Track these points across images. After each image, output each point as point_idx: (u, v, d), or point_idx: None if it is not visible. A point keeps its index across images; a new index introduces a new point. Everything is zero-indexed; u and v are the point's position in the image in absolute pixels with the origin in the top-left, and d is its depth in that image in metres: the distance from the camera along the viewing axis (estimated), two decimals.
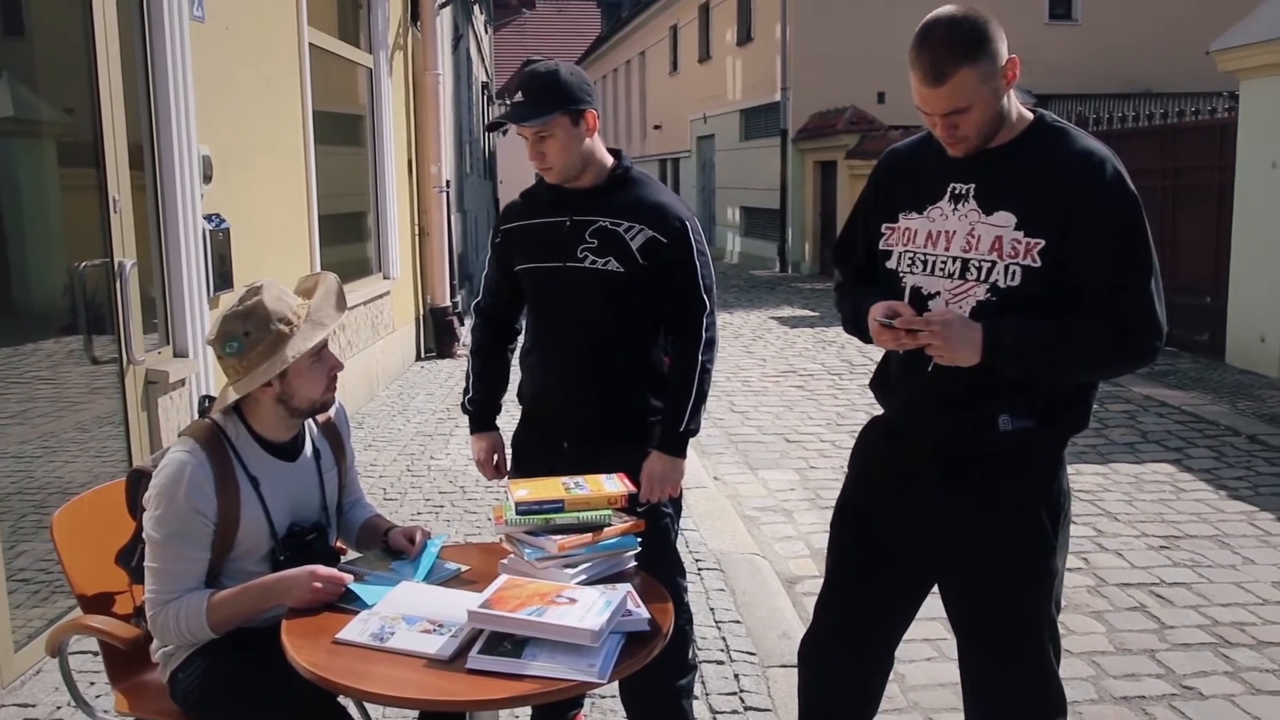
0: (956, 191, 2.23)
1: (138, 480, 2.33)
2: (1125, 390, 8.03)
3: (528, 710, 2.95)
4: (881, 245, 2.35)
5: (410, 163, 9.14)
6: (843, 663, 2.57)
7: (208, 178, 4.71)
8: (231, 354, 2.21)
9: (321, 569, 2.12)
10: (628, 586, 2.03)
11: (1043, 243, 2.11)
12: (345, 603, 2.07)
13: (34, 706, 3.26)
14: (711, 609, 4.01)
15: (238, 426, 2.28)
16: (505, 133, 27.78)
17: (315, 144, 6.37)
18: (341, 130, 7.77)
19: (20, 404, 3.81)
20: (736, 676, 3.52)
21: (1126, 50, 18.57)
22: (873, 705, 2.66)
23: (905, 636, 2.62)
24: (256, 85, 5.53)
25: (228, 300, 4.82)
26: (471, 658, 1.83)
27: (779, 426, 7.40)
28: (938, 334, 2.10)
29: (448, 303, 9.80)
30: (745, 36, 22.12)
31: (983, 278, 2.17)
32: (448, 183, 9.98)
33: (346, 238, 7.92)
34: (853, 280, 2.53)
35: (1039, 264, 2.12)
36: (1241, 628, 3.99)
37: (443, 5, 9.63)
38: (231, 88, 5.14)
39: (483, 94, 23.39)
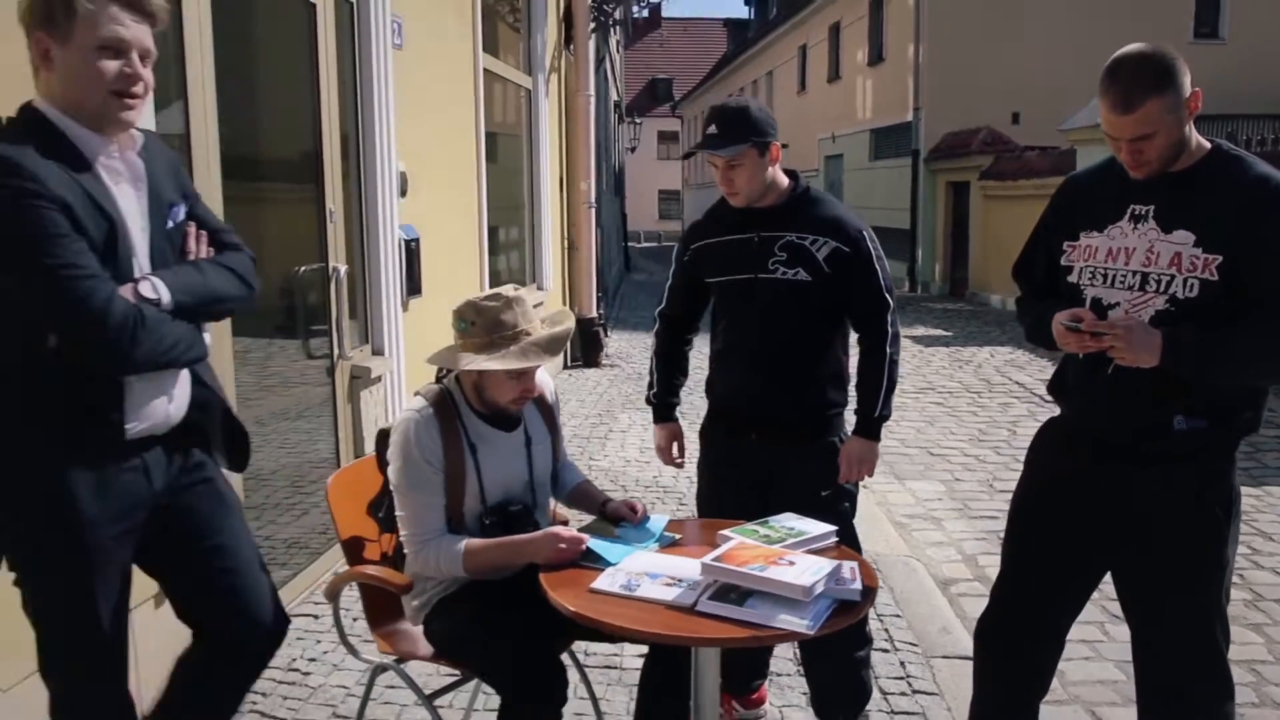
0: (1136, 212, 2.42)
1: (383, 439, 2.69)
2: (1275, 415, 7.90)
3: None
4: (1063, 261, 2.55)
5: (561, 179, 9.57)
6: (1017, 646, 2.76)
7: (403, 192, 5.14)
8: (457, 329, 2.57)
9: (564, 531, 2.44)
10: (854, 564, 2.27)
11: (1220, 258, 2.28)
12: (587, 561, 2.38)
13: None
14: (873, 605, 4.20)
15: (461, 393, 2.62)
16: (634, 150, 28.25)
17: (485, 161, 6.80)
18: (504, 148, 8.23)
19: (252, 393, 4.24)
20: (903, 664, 3.73)
21: (1274, 69, 18.02)
22: (1042, 689, 2.84)
23: None
24: (441, 106, 5.98)
25: (416, 304, 5.26)
26: (701, 602, 2.11)
27: (922, 440, 7.53)
28: (1120, 336, 2.28)
29: (594, 313, 10.20)
30: (876, 57, 22.14)
31: (1162, 289, 2.35)
32: (596, 199, 10.39)
33: (507, 249, 8.37)
34: (1033, 295, 2.73)
35: (1216, 277, 2.29)
36: None
37: (594, 30, 10.06)
38: (421, 109, 5.58)
39: (615, 113, 23.91)
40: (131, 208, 2.04)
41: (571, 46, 9.54)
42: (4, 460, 1.99)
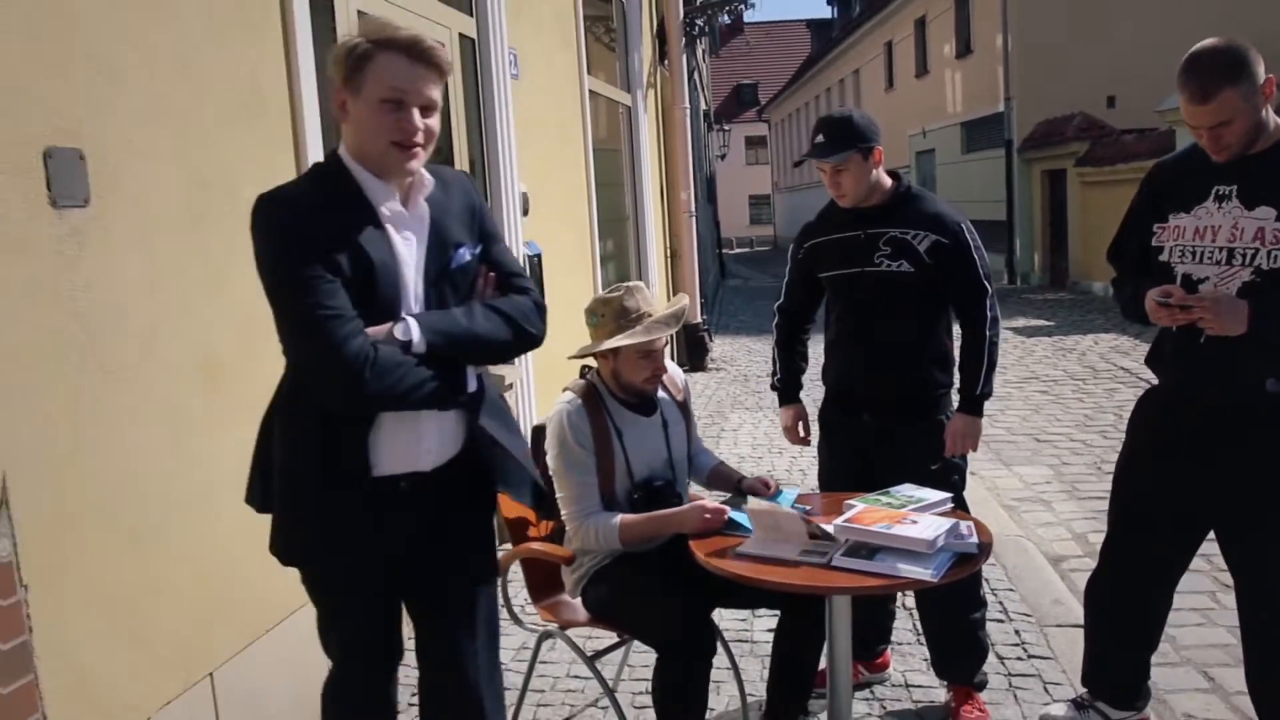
0: (1220, 192, 2.65)
1: (538, 434, 3.05)
2: None
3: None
4: (1154, 243, 2.79)
5: (661, 190, 9.93)
6: (1126, 601, 2.99)
7: (525, 211, 5.52)
8: (590, 324, 2.93)
9: (709, 504, 2.77)
10: (970, 523, 2.55)
11: None
12: (729, 530, 2.70)
13: None
14: (986, 579, 4.42)
15: (602, 383, 2.97)
16: (724, 157, 28.46)
17: (595, 176, 7.18)
18: (609, 163, 8.60)
19: None
20: (1018, 632, 3.95)
21: None
22: (1152, 643, 3.06)
23: (1175, 605, 3.01)
24: (553, 128, 6.37)
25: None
26: (835, 559, 2.41)
27: (1027, 428, 7.66)
28: (1208, 309, 2.52)
29: (699, 319, 10.52)
30: (964, 49, 22.04)
31: (1247, 262, 2.58)
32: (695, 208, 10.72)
33: (615, 259, 8.75)
34: (1127, 275, 2.96)
35: None
36: None
37: (687, 45, 10.41)
38: (537, 132, 5.97)
39: (704, 121, 24.21)
40: (406, 251, 2.10)
41: (666, 62, 9.89)
42: (277, 477, 2.18)
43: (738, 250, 42.73)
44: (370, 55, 2.01)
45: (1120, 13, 18.35)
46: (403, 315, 2.06)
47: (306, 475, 2.13)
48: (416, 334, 2.03)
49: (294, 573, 3.25)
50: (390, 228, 2.09)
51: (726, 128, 28.72)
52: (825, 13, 41.83)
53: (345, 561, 2.20)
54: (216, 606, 2.91)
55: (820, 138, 3.20)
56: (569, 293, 6.26)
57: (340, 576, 2.23)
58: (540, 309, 2.25)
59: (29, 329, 2.28)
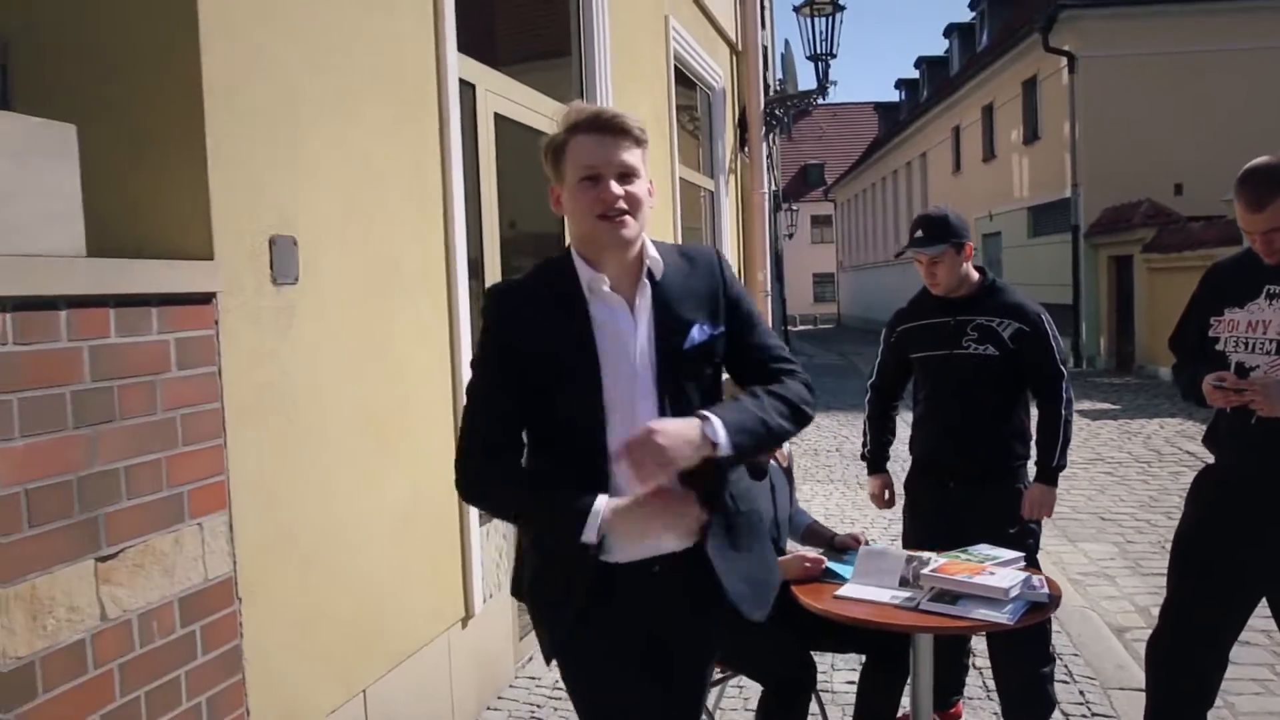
0: (1272, 291, 3.01)
1: None
2: None
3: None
4: (1210, 333, 3.15)
5: (740, 270, 10.40)
6: (1184, 659, 3.28)
7: None
8: None
9: (810, 554, 3.14)
10: (1042, 577, 2.90)
11: None
12: (827, 578, 3.06)
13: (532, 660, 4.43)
14: (1052, 644, 4.70)
15: None
16: (791, 236, 29.00)
17: None
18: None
19: None
20: (1082, 693, 4.23)
21: None
22: (1208, 701, 3.33)
23: (1234, 675, 3.29)
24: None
25: None
26: (923, 603, 2.77)
27: (1092, 507, 7.88)
28: (1259, 392, 2.87)
29: None
30: (1032, 135, 22.42)
31: None
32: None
33: None
34: (1186, 361, 3.31)
35: None
36: None
37: (767, 134, 10.94)
38: None
39: (773, 201, 24.76)
40: (615, 337, 2.08)
41: (746, 149, 10.42)
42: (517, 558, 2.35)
43: (801, 328, 43.05)
44: (565, 144, 2.06)
45: (1188, 103, 18.64)
46: (704, 414, 1.99)
47: (530, 556, 2.24)
48: (723, 436, 1.97)
49: (426, 606, 3.69)
50: (596, 314, 2.08)
51: (795, 208, 29.25)
52: (892, 96, 42.48)
53: (583, 653, 2.18)
54: (370, 630, 3.33)
55: (919, 233, 3.63)
56: None
57: (584, 664, 2.21)
58: (811, 388, 2.20)
59: (252, 386, 2.76)
